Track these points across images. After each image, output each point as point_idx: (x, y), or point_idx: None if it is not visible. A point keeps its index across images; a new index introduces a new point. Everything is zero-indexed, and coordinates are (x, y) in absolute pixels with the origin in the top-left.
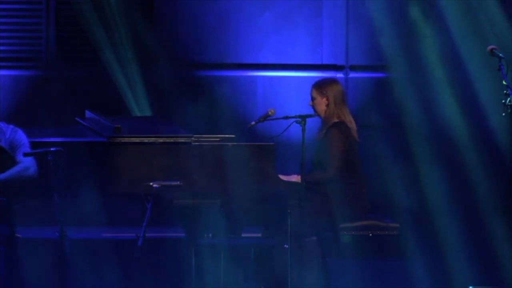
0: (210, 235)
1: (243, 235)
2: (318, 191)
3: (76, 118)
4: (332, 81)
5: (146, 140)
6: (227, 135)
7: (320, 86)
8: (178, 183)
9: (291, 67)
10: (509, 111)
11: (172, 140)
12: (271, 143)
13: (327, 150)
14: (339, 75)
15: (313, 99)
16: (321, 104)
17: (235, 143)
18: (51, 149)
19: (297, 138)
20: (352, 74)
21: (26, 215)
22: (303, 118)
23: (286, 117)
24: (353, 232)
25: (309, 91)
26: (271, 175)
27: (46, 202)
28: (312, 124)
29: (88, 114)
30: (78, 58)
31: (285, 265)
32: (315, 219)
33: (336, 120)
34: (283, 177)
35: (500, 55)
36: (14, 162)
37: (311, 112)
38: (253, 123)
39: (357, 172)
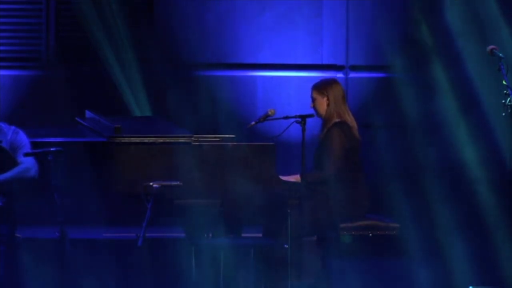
0: (210, 235)
1: (243, 235)
2: (318, 191)
3: (76, 118)
4: (332, 81)
5: (146, 140)
6: (227, 135)
7: (320, 86)
8: (178, 183)
9: (291, 67)
10: (509, 111)
11: (172, 140)
12: (271, 143)
13: (327, 149)
14: (339, 75)
15: (313, 100)
16: (322, 104)
17: (235, 143)
18: (51, 149)
19: (297, 138)
20: (352, 74)
21: (26, 215)
22: (303, 118)
23: (286, 117)
24: (353, 232)
25: (309, 91)
26: (271, 175)
27: (46, 202)
28: (312, 124)
29: (88, 114)
30: (78, 58)
31: (285, 265)
32: (315, 219)
33: (337, 119)
34: (284, 177)
35: (500, 55)
36: (15, 163)
37: (311, 112)
38: (253, 123)
39: (359, 171)
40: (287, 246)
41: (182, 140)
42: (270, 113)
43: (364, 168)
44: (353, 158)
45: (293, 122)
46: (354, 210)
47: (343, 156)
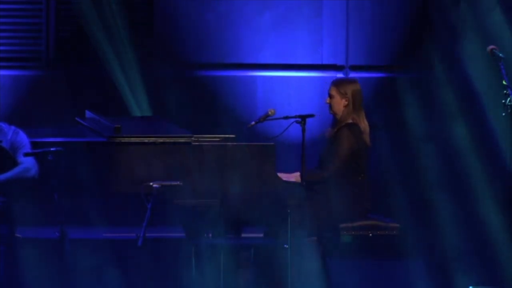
0: (210, 235)
1: (243, 235)
2: (318, 191)
3: (76, 118)
4: (353, 81)
5: (146, 140)
6: (227, 135)
7: (341, 85)
8: (178, 183)
9: (291, 67)
10: (509, 111)
11: (172, 140)
12: (271, 143)
13: (333, 149)
14: (339, 75)
15: (331, 96)
16: (340, 103)
17: (235, 143)
18: (51, 149)
19: (297, 138)
20: (352, 74)
21: (26, 215)
22: (303, 118)
23: (286, 117)
24: (353, 232)
25: (309, 91)
26: (271, 175)
27: (46, 202)
28: (312, 124)
29: (88, 114)
30: (78, 58)
31: (285, 265)
32: (315, 219)
33: (350, 121)
34: (285, 176)
35: (500, 55)
36: (15, 163)
37: (311, 112)
38: (253, 123)
39: (362, 175)
40: (287, 246)
41: (182, 140)
42: (270, 113)
43: (368, 170)
44: (358, 161)
45: (293, 122)
46: (354, 210)
47: (349, 158)
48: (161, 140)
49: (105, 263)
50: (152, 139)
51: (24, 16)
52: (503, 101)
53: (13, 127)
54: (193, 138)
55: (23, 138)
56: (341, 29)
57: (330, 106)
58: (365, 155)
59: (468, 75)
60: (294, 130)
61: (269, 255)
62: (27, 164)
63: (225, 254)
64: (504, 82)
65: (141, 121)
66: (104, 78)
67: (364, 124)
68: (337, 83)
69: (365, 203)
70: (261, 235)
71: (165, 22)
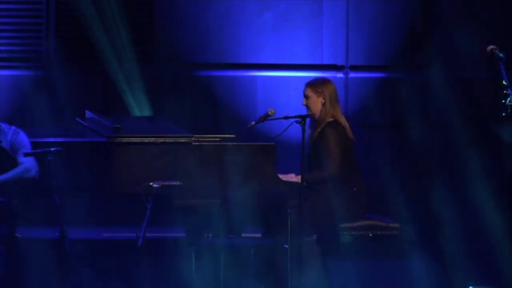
0: (210, 235)
1: (243, 235)
2: (318, 191)
3: (76, 118)
4: (327, 80)
5: (146, 140)
6: (227, 135)
7: (315, 85)
8: (178, 183)
9: (291, 67)
10: (509, 111)
11: (172, 140)
12: (271, 143)
13: (324, 150)
14: (339, 75)
15: (307, 97)
16: (317, 103)
17: (235, 143)
18: (51, 149)
19: (297, 138)
20: (352, 74)
21: (26, 215)
22: (303, 118)
23: (286, 117)
24: (353, 232)
25: None
26: (271, 175)
27: (46, 202)
28: (312, 124)
29: (88, 114)
30: (78, 58)
31: (285, 265)
32: (315, 219)
33: (330, 119)
34: (282, 176)
35: (500, 55)
36: (15, 163)
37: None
38: (253, 123)
39: (355, 171)
40: (287, 246)
41: (182, 140)
42: (270, 113)
43: (361, 167)
44: (348, 157)
45: (293, 122)
46: (354, 210)
47: (341, 156)
48: (161, 140)
49: (105, 263)
50: (152, 139)
51: (24, 16)
52: (503, 101)
53: (13, 127)
54: (193, 138)
55: (23, 138)
56: (341, 29)
57: (307, 107)
58: (352, 150)
59: (468, 74)
60: (294, 130)
61: (269, 255)
62: (27, 164)
63: (225, 254)
64: (504, 82)
65: (141, 121)
66: (104, 78)
67: (343, 119)
68: (311, 83)
69: (363, 201)
70: (261, 235)
71: (165, 22)
